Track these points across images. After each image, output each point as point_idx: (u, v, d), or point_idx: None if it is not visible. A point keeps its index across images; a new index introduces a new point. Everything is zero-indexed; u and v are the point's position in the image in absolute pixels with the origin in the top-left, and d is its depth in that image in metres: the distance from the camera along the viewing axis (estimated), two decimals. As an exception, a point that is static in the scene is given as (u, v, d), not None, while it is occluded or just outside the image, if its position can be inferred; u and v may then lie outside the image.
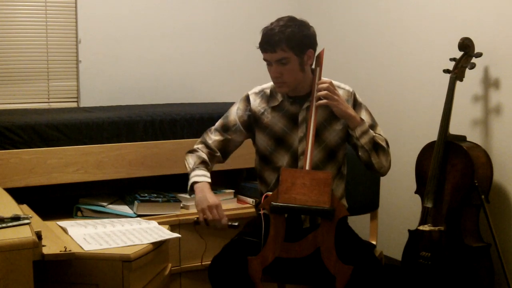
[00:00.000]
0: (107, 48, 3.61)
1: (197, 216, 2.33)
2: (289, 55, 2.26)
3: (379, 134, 2.39)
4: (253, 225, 2.41)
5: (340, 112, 2.28)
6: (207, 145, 2.48)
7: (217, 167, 2.56)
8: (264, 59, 2.32)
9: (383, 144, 2.36)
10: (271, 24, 2.30)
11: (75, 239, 2.21)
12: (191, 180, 2.38)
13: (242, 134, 2.49)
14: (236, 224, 2.32)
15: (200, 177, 2.37)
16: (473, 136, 2.89)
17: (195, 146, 2.50)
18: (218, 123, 2.53)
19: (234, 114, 2.49)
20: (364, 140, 2.31)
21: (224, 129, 2.49)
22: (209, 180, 2.38)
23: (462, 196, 2.68)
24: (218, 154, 2.48)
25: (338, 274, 2.08)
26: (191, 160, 2.44)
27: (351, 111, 2.30)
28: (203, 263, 2.59)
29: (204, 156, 2.44)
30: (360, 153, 2.35)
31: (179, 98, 3.77)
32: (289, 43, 2.25)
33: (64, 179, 2.77)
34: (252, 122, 2.47)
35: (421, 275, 2.76)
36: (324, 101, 2.24)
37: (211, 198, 2.31)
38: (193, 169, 2.40)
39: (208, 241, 2.57)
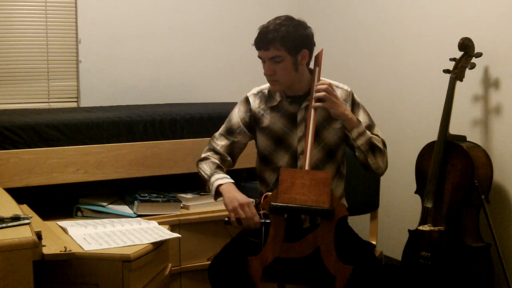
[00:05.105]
0: (107, 48, 3.61)
1: (227, 216, 2.28)
2: (282, 53, 2.26)
3: (377, 135, 2.39)
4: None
5: (337, 114, 2.28)
6: (216, 151, 2.47)
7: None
8: (259, 57, 2.33)
9: (380, 145, 2.36)
10: (268, 22, 2.31)
11: (75, 239, 2.21)
12: (215, 184, 2.34)
13: (246, 136, 2.49)
14: (269, 221, 2.23)
15: (223, 179, 2.34)
16: (473, 136, 2.89)
17: (204, 154, 2.48)
18: (222, 128, 2.52)
19: (236, 116, 2.49)
20: (360, 142, 2.31)
21: (229, 132, 2.49)
22: (232, 180, 2.36)
23: (462, 196, 2.68)
24: (229, 158, 2.47)
25: (338, 274, 2.08)
26: (206, 167, 2.42)
27: (348, 112, 2.30)
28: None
29: (217, 161, 2.43)
30: (357, 154, 2.36)
31: (179, 98, 3.77)
32: (283, 41, 2.25)
33: (64, 179, 2.77)
34: (253, 123, 2.47)
35: (421, 275, 2.76)
36: (320, 103, 2.24)
37: (241, 196, 2.27)
38: (212, 174, 2.37)
39: (199, 237, 2.54)
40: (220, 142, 2.48)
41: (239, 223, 2.25)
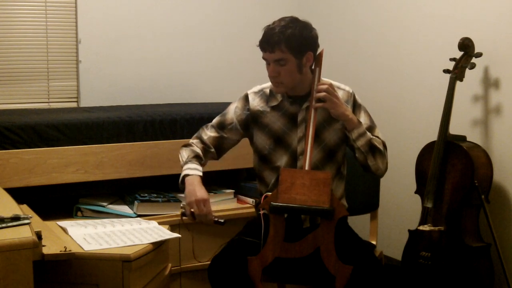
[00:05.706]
0: (107, 48, 3.61)
1: (185, 208, 2.34)
2: (287, 56, 2.26)
3: (377, 137, 2.39)
4: (253, 225, 2.41)
5: (338, 114, 2.28)
6: (202, 141, 2.49)
7: (217, 167, 2.57)
8: (263, 58, 2.33)
9: (380, 146, 2.36)
10: (273, 23, 2.31)
11: (75, 239, 2.21)
12: (183, 173, 2.38)
13: (238, 133, 2.50)
14: (222, 221, 2.31)
15: (192, 170, 2.37)
16: (473, 136, 2.89)
17: (190, 141, 2.52)
18: (215, 120, 2.53)
19: (232, 112, 2.49)
20: (360, 143, 2.31)
21: (220, 126, 2.49)
22: (201, 174, 2.38)
23: (462, 196, 2.68)
24: (213, 150, 2.48)
25: (338, 274, 2.08)
26: (184, 154, 2.45)
27: (348, 113, 2.30)
28: (196, 258, 2.60)
29: (198, 150, 2.45)
30: (357, 155, 2.36)
31: (179, 98, 3.77)
32: (288, 44, 2.25)
33: (64, 179, 2.77)
34: (250, 121, 2.47)
35: (421, 275, 2.76)
36: (320, 104, 2.24)
37: (200, 192, 2.31)
38: (186, 162, 2.41)
39: (199, 237, 2.56)
40: (209, 133, 2.50)
41: (193, 217, 2.31)
